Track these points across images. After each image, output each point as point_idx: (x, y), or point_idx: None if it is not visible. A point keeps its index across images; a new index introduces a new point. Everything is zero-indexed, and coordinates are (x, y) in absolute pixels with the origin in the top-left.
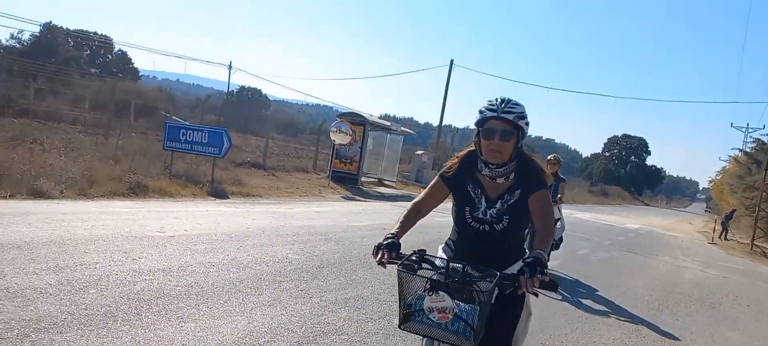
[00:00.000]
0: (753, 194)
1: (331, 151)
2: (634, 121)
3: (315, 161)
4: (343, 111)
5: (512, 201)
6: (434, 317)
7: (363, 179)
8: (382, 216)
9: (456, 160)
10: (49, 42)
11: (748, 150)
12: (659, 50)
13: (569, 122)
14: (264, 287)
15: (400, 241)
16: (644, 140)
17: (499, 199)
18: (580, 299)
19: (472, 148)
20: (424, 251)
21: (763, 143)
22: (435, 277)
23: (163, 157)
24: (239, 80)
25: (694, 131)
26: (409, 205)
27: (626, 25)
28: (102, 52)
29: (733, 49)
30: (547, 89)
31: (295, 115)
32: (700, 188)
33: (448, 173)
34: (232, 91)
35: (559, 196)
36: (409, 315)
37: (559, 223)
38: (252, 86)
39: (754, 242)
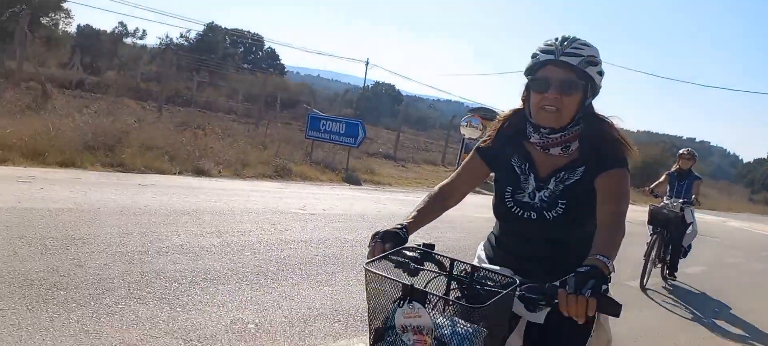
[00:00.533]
0: None
1: (461, 145)
2: None
3: (443, 155)
4: (477, 106)
5: (571, 181)
6: (408, 340)
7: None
8: None
9: (497, 124)
10: (211, 40)
11: None
12: None
13: (730, 124)
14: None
15: (412, 235)
16: None
17: (552, 177)
18: (715, 317)
19: (519, 108)
20: (433, 246)
21: None
22: (407, 280)
23: (304, 146)
24: (375, 76)
25: None
26: (434, 188)
27: None
28: (254, 49)
29: None
30: (702, 87)
31: (426, 110)
32: None
33: (485, 143)
34: (368, 86)
35: (693, 196)
36: (381, 334)
37: (690, 228)
38: (386, 82)
39: None
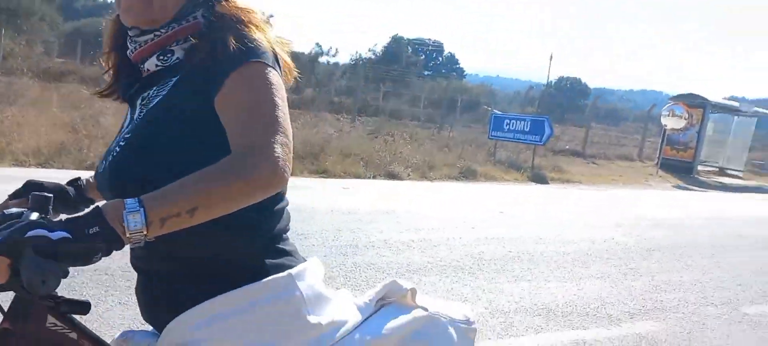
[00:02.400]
0: None
1: (662, 137)
2: None
3: (640, 149)
4: (680, 94)
5: (156, 100)
6: None
7: (700, 167)
8: (723, 206)
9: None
10: (395, 51)
11: None
12: None
13: None
14: (591, 262)
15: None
16: None
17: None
18: None
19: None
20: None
21: None
22: None
23: (487, 146)
24: (559, 72)
25: None
26: None
27: None
28: (434, 55)
29: None
30: None
31: (618, 103)
32: None
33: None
34: (551, 82)
35: None
36: None
37: None
38: (571, 76)
39: None
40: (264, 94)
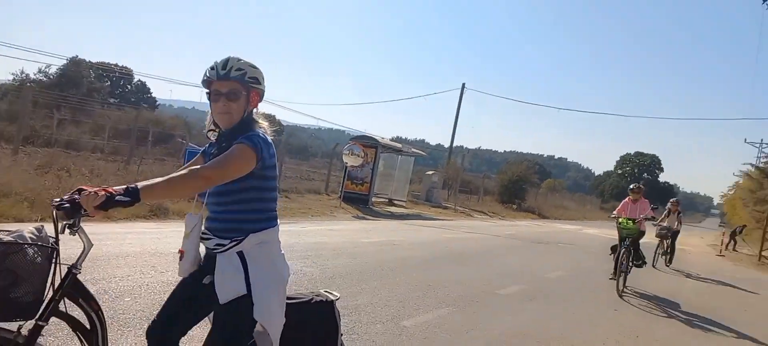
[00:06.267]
0: (763, 207)
1: (343, 173)
2: (648, 138)
3: (327, 183)
4: (356, 134)
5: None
6: None
7: (374, 199)
8: (391, 233)
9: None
10: (74, 75)
11: (760, 165)
12: (671, 67)
13: (582, 141)
14: None
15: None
16: (657, 157)
17: None
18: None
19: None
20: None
21: None
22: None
23: None
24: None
25: (709, 147)
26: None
27: (637, 44)
28: (122, 82)
29: (746, 64)
30: (559, 110)
31: (308, 139)
32: (715, 203)
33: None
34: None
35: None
36: None
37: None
38: (266, 112)
39: (762, 254)
40: None
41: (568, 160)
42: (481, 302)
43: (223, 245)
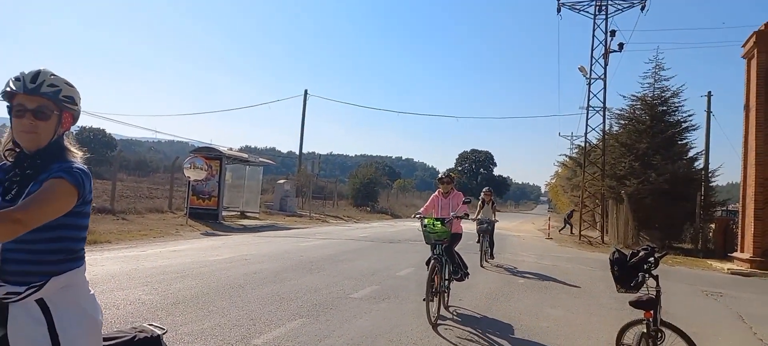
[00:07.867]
0: (578, 192)
1: (187, 188)
2: (480, 137)
3: (170, 200)
4: (199, 146)
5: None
6: None
7: (224, 213)
8: (243, 247)
9: None
10: None
11: (572, 155)
12: (491, 74)
13: (425, 142)
14: (114, 328)
15: None
16: (490, 154)
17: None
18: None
19: None
20: None
21: (582, 149)
22: None
23: None
24: (80, 122)
25: (531, 142)
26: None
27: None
28: None
29: (552, 69)
30: (398, 113)
31: (146, 153)
32: (543, 191)
33: None
34: (72, 133)
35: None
36: None
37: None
38: (94, 127)
39: (581, 233)
40: None
41: (415, 160)
42: (335, 309)
43: (18, 293)
